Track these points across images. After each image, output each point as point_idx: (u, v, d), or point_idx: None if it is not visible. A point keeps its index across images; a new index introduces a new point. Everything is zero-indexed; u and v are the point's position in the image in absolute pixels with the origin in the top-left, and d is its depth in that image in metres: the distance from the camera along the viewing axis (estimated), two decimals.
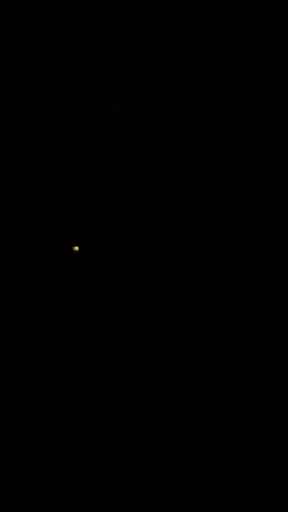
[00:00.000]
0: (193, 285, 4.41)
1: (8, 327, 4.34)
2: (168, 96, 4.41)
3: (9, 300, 4.37)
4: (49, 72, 4.42)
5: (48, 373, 4.31)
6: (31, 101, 4.42)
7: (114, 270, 4.44)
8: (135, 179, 4.42)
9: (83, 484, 4.21)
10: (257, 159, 4.39)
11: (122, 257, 4.43)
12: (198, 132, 4.40)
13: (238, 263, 4.42)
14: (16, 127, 4.42)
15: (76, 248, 4.24)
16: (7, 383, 4.30)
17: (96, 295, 4.42)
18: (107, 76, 4.42)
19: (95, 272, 4.44)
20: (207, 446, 4.24)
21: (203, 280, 4.41)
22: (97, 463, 4.20)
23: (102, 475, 4.18)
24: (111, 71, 4.41)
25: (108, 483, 4.18)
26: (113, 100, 4.42)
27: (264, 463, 4.21)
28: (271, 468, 4.20)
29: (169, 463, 4.22)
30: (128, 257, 4.43)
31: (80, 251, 4.47)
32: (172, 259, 4.43)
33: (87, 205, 4.45)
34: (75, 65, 4.41)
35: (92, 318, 4.39)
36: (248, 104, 4.41)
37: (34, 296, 4.37)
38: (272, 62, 4.37)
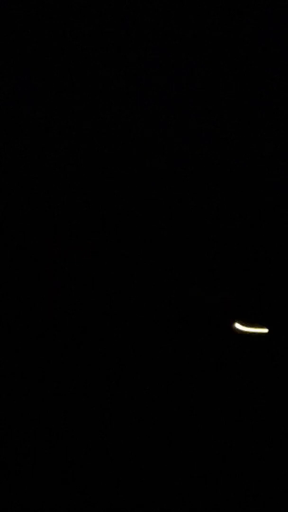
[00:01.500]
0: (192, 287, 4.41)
1: (8, 327, 4.34)
2: (168, 96, 4.41)
3: (9, 300, 4.37)
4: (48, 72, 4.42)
5: (48, 374, 4.32)
6: (30, 100, 4.42)
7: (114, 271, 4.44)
8: (134, 179, 4.43)
9: (83, 484, 4.21)
10: (258, 161, 4.39)
11: (122, 258, 4.43)
12: (198, 132, 4.40)
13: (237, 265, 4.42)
14: (16, 127, 4.43)
15: None
16: (7, 383, 4.30)
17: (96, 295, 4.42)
18: (107, 76, 4.43)
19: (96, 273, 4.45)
20: (207, 446, 4.24)
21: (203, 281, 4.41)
22: (97, 463, 4.20)
23: (102, 475, 4.18)
24: (111, 71, 4.42)
25: (108, 483, 4.19)
26: (113, 100, 4.43)
27: (264, 463, 4.21)
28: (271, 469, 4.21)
29: (168, 464, 4.22)
30: (128, 258, 4.43)
31: (79, 251, 4.47)
32: (172, 261, 4.43)
33: (87, 205, 4.45)
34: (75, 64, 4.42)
35: (93, 319, 4.40)
36: (248, 104, 4.42)
37: (35, 297, 4.37)
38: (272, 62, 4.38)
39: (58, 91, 4.40)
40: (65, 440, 4.26)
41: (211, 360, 4.35)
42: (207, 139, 4.38)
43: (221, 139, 4.37)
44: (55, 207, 4.42)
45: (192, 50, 4.36)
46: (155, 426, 4.29)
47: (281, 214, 4.38)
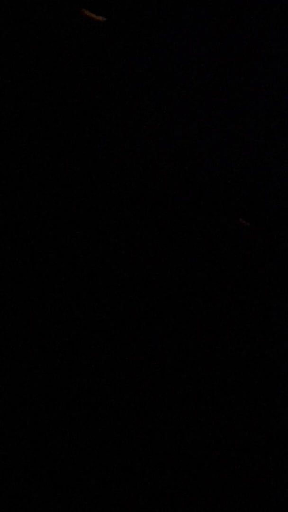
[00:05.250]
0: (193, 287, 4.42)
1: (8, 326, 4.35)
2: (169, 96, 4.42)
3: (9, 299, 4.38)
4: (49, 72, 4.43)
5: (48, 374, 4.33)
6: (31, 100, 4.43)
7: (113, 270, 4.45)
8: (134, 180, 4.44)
9: (83, 484, 4.22)
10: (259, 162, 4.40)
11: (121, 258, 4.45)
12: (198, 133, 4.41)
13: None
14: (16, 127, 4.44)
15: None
16: (7, 383, 4.31)
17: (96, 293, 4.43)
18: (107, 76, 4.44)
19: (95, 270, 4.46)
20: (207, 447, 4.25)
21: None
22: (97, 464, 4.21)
23: (101, 475, 4.20)
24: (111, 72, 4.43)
25: (108, 483, 4.20)
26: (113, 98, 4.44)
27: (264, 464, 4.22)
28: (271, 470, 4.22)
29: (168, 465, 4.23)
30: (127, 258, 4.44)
31: (78, 250, 4.47)
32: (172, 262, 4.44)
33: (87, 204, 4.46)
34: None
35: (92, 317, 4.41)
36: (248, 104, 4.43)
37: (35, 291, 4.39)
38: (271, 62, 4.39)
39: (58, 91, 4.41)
40: (65, 440, 4.28)
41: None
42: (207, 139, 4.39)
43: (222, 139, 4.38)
44: (55, 206, 4.43)
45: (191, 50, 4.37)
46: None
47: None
